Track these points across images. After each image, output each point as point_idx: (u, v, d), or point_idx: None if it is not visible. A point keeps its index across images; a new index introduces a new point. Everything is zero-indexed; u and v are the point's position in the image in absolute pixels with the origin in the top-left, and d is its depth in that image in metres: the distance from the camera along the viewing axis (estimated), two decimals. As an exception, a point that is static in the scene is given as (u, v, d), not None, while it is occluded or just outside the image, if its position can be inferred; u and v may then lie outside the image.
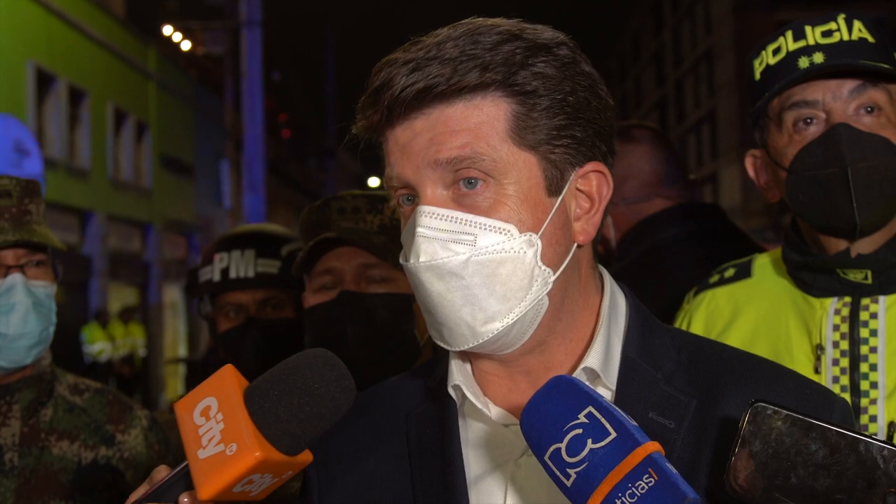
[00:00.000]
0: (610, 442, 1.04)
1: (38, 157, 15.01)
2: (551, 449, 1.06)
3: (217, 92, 29.43)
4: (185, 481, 1.12)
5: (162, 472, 1.17)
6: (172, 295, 26.27)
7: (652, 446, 1.03)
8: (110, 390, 2.43)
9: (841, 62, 1.80)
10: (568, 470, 1.05)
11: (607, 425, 1.05)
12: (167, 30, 26.73)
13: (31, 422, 2.24)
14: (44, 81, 18.82)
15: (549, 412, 1.08)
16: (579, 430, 1.05)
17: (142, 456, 2.33)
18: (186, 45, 27.89)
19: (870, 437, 1.03)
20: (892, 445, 1.02)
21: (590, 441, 1.04)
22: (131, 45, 23.89)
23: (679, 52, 48.53)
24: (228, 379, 1.13)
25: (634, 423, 1.06)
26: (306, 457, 1.15)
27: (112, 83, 22.37)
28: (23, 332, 2.15)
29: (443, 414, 1.31)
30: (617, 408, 1.07)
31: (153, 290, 24.66)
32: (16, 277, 2.15)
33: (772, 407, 1.06)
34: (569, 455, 1.05)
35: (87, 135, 20.88)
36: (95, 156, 21.12)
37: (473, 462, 1.28)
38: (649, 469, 1.01)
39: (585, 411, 1.06)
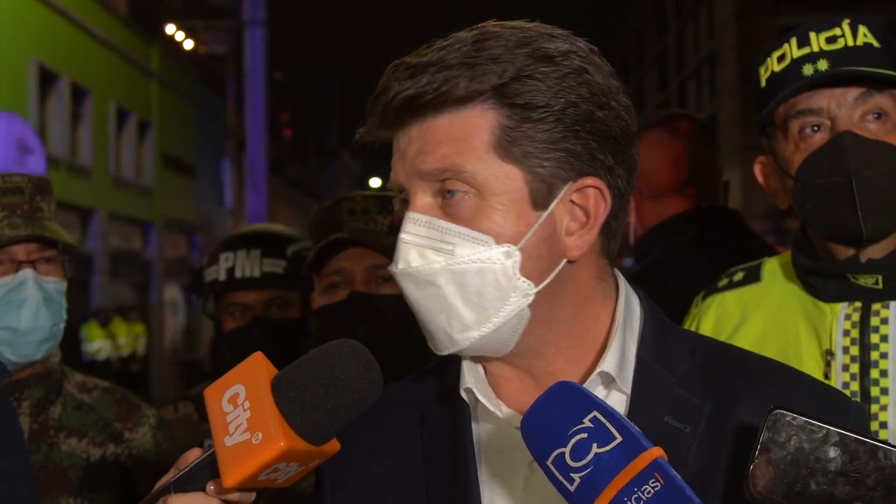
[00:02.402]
0: (616, 446, 1.03)
1: (41, 155, 15.01)
2: (555, 454, 1.06)
3: (219, 91, 29.46)
4: (211, 468, 1.12)
5: (192, 456, 1.17)
6: (173, 294, 26.27)
7: (657, 451, 1.03)
8: (118, 389, 2.44)
9: (845, 69, 1.79)
10: (572, 475, 1.04)
11: (612, 430, 1.04)
12: (170, 29, 26.75)
13: (40, 419, 2.25)
14: (46, 79, 18.83)
15: (553, 416, 1.07)
16: (584, 435, 1.05)
17: (150, 454, 2.34)
18: (189, 44, 27.90)
19: (889, 444, 1.03)
20: None
21: (595, 445, 1.04)
22: (134, 44, 23.90)
23: (682, 56, 48.54)
24: (257, 367, 1.13)
25: (638, 428, 1.05)
26: (333, 446, 1.15)
27: (114, 81, 22.38)
28: (33, 327, 2.16)
29: (456, 416, 1.31)
30: (620, 413, 1.06)
31: (154, 289, 24.66)
32: (27, 272, 2.16)
33: (791, 414, 1.06)
34: (573, 460, 1.04)
35: (89, 133, 20.88)
36: (97, 154, 21.13)
37: (487, 465, 1.28)
38: (655, 473, 1.01)
39: (590, 416, 1.06)
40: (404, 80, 1.18)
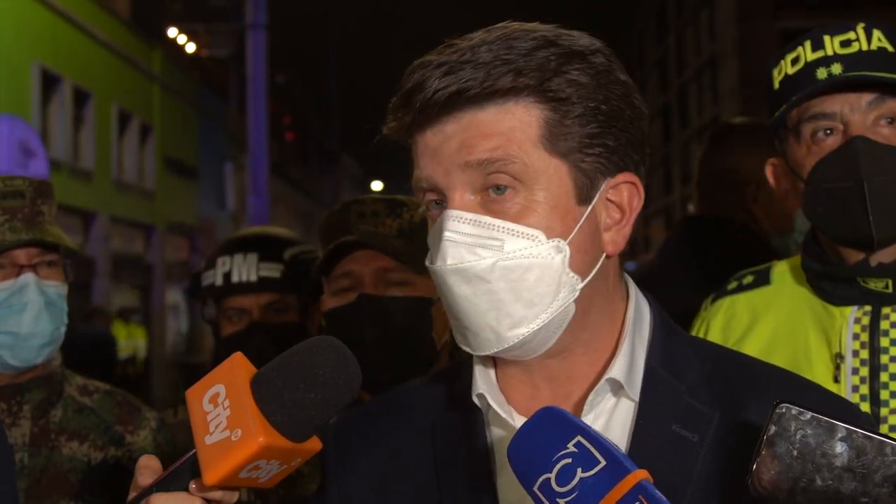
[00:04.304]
0: (599, 470, 1.03)
1: (44, 159, 15.01)
2: (541, 479, 1.05)
3: (221, 94, 29.48)
4: (193, 468, 1.12)
5: (147, 461, 1.17)
6: (174, 297, 26.28)
7: (641, 473, 1.02)
8: (119, 392, 2.43)
9: (858, 74, 1.79)
10: (558, 500, 1.04)
11: (596, 454, 1.04)
12: (172, 32, 26.78)
13: (40, 422, 2.24)
14: (48, 82, 18.85)
15: (538, 442, 1.07)
16: (569, 460, 1.04)
17: (151, 457, 2.34)
18: (191, 48, 27.93)
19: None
20: None
21: (579, 470, 1.03)
22: (136, 47, 23.92)
23: (682, 59, 48.54)
24: (237, 366, 1.13)
25: (622, 451, 1.05)
26: (314, 444, 1.14)
27: (116, 85, 22.40)
28: (35, 332, 2.15)
29: (469, 422, 1.30)
30: (604, 436, 1.06)
31: (155, 292, 24.67)
32: (28, 277, 2.15)
33: (797, 408, 1.05)
34: (558, 485, 1.04)
35: (91, 136, 20.90)
36: (99, 157, 21.14)
37: (500, 471, 1.27)
38: (640, 496, 1.00)
39: (574, 440, 1.05)
40: (441, 76, 1.17)
